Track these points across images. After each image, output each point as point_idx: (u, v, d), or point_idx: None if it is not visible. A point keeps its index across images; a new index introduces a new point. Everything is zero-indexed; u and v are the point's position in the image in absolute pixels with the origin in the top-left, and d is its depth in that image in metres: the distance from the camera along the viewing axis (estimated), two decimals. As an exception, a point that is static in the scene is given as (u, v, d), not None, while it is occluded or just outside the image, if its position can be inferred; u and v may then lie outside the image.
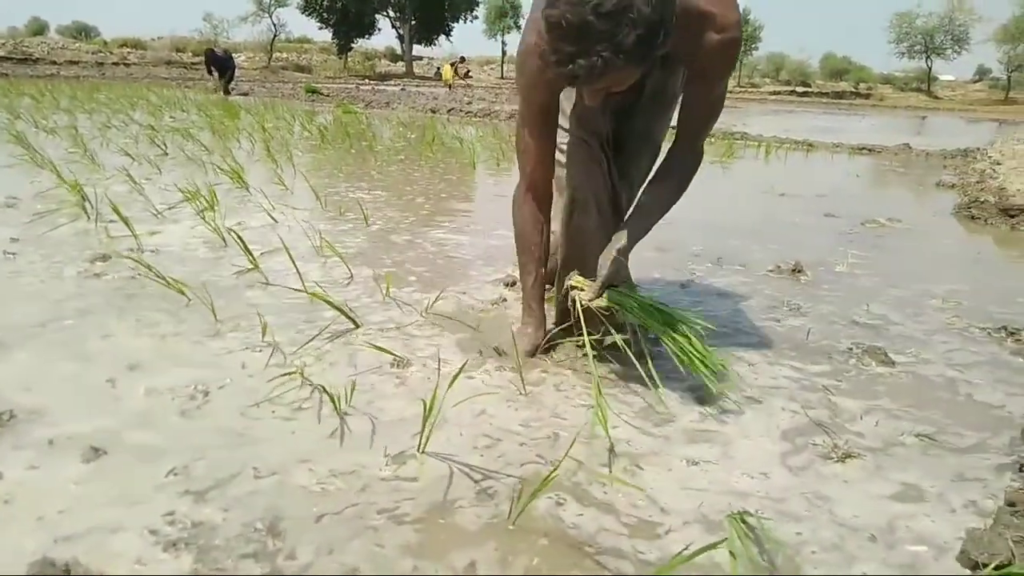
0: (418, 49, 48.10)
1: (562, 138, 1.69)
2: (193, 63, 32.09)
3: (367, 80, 34.14)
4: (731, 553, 0.97)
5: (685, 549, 0.99)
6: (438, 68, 35.55)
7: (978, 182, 5.13)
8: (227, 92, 15.51)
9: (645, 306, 1.53)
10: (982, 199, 4.20)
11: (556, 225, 1.72)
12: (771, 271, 2.63)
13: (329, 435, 1.29)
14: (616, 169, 1.72)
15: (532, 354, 1.70)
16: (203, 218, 2.87)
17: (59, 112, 8.00)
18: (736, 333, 1.95)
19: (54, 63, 27.54)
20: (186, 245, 2.59)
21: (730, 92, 1.69)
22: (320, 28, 44.62)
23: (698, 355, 1.46)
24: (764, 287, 2.43)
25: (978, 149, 8.36)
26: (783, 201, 4.45)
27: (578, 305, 1.53)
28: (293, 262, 2.18)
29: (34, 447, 1.21)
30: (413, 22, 44.70)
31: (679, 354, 1.47)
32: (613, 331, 1.51)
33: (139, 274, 2.13)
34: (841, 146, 8.57)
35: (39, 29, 52.80)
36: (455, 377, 1.37)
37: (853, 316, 2.14)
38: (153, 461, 1.18)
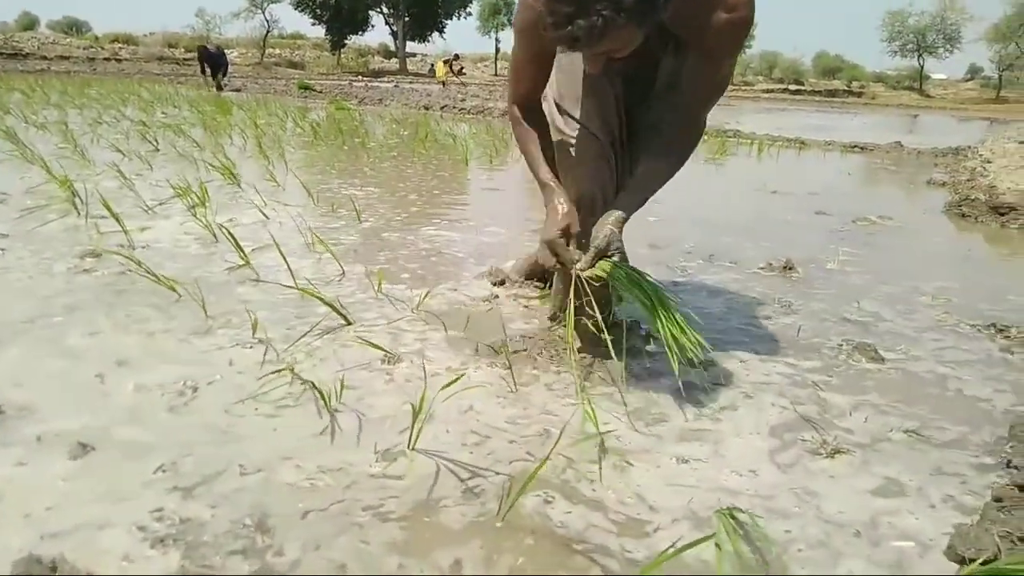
0: (412, 46, 47.98)
1: (572, 130, 1.68)
2: (185, 59, 31.83)
3: (360, 77, 33.98)
4: (717, 546, 0.98)
5: (672, 547, 0.99)
6: (432, 65, 35.48)
7: (968, 180, 5.16)
8: (220, 88, 15.46)
9: (633, 279, 1.53)
10: (972, 197, 4.23)
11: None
12: (763, 268, 2.63)
13: (318, 432, 1.29)
14: (626, 164, 1.71)
15: (565, 233, 1.54)
16: (194, 214, 2.86)
17: (49, 107, 7.93)
18: (727, 330, 1.96)
19: (44, 58, 27.28)
20: (177, 241, 2.58)
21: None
22: (313, 24, 44.42)
23: (678, 329, 1.44)
24: (756, 284, 2.44)
25: (969, 147, 8.41)
26: (775, 199, 4.46)
27: (578, 277, 1.52)
28: (284, 258, 2.17)
29: (22, 444, 1.20)
30: (407, 19, 44.53)
31: (660, 330, 1.45)
32: (601, 319, 1.50)
33: (129, 270, 2.11)
34: (833, 144, 8.60)
35: (30, 24, 52.30)
36: (452, 381, 1.37)
37: (844, 313, 2.15)
38: (141, 457, 1.18)
